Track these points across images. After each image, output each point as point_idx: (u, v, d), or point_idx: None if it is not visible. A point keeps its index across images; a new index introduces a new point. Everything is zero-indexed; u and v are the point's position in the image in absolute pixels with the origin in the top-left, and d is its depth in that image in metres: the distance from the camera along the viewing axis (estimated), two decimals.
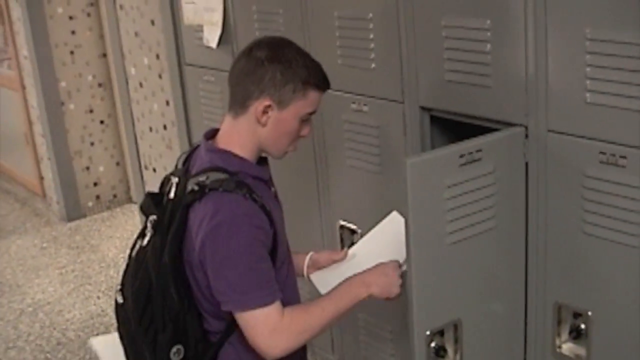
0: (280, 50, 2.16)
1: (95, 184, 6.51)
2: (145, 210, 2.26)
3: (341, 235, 3.19)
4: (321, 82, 2.19)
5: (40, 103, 6.16)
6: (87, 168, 6.44)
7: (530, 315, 2.49)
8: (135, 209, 6.41)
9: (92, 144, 6.41)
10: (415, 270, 2.19)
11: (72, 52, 6.16)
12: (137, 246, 2.24)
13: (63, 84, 6.15)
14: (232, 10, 3.54)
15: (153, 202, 2.25)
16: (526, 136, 2.33)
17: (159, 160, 4.76)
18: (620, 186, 2.13)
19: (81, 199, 6.49)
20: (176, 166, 2.32)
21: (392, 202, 2.53)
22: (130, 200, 6.66)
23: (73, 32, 6.13)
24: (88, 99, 6.29)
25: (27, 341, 4.64)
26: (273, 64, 2.12)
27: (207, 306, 2.17)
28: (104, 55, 6.27)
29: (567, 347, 2.43)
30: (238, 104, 2.17)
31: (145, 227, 2.24)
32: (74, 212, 6.47)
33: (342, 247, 3.11)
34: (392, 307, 2.94)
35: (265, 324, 2.10)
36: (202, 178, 2.11)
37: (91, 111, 6.34)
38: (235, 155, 2.16)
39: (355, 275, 2.27)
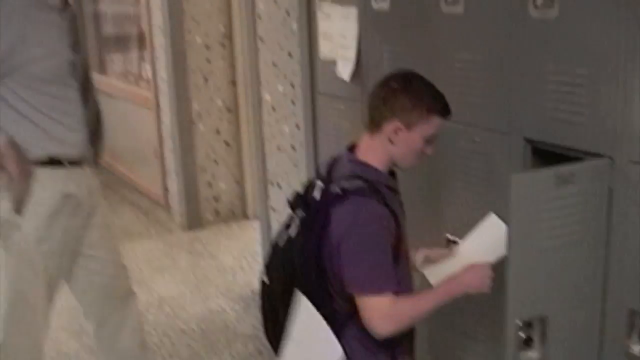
0: (410, 82, 2.57)
1: (215, 199, 6.90)
2: (293, 205, 2.68)
3: (446, 246, 3.44)
4: (443, 110, 2.58)
5: (173, 121, 6.64)
6: (210, 184, 6.85)
7: (607, 319, 2.81)
8: (250, 225, 6.80)
9: (215, 162, 6.83)
10: (514, 269, 2.54)
11: (205, 78, 6.62)
12: (285, 237, 2.66)
13: (195, 105, 6.63)
14: (365, 48, 3.85)
15: (300, 200, 2.69)
16: (611, 165, 2.67)
17: (284, 177, 5.07)
18: None
19: (202, 211, 6.87)
20: (317, 171, 2.72)
21: None
22: (246, 216, 7.01)
23: (208, 60, 6.60)
24: (216, 121, 6.74)
25: (155, 328, 5.05)
26: (404, 93, 2.53)
27: (337, 287, 2.55)
28: (234, 82, 6.69)
29: (638, 349, 2.72)
30: (374, 124, 2.59)
31: (290, 220, 2.67)
32: (194, 223, 6.87)
33: None
34: (486, 313, 3.36)
35: (379, 309, 2.48)
36: (345, 184, 2.52)
37: (218, 132, 6.78)
38: (372, 167, 2.57)
39: (455, 275, 2.63)
